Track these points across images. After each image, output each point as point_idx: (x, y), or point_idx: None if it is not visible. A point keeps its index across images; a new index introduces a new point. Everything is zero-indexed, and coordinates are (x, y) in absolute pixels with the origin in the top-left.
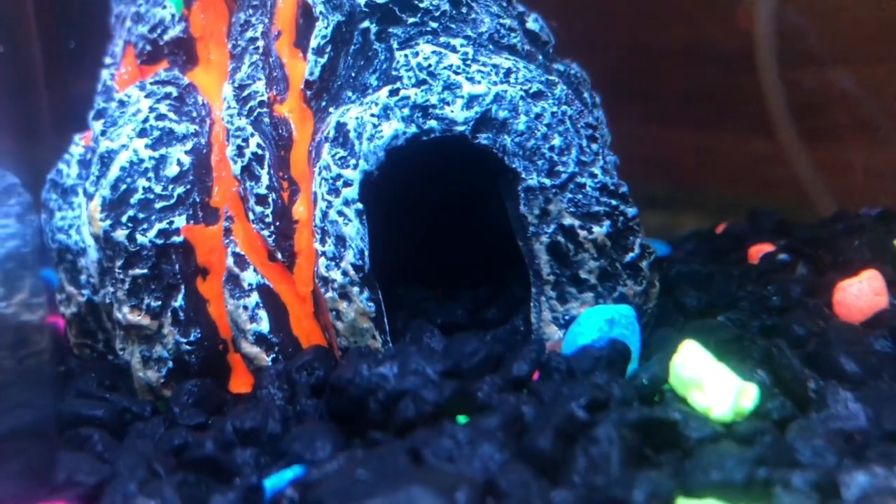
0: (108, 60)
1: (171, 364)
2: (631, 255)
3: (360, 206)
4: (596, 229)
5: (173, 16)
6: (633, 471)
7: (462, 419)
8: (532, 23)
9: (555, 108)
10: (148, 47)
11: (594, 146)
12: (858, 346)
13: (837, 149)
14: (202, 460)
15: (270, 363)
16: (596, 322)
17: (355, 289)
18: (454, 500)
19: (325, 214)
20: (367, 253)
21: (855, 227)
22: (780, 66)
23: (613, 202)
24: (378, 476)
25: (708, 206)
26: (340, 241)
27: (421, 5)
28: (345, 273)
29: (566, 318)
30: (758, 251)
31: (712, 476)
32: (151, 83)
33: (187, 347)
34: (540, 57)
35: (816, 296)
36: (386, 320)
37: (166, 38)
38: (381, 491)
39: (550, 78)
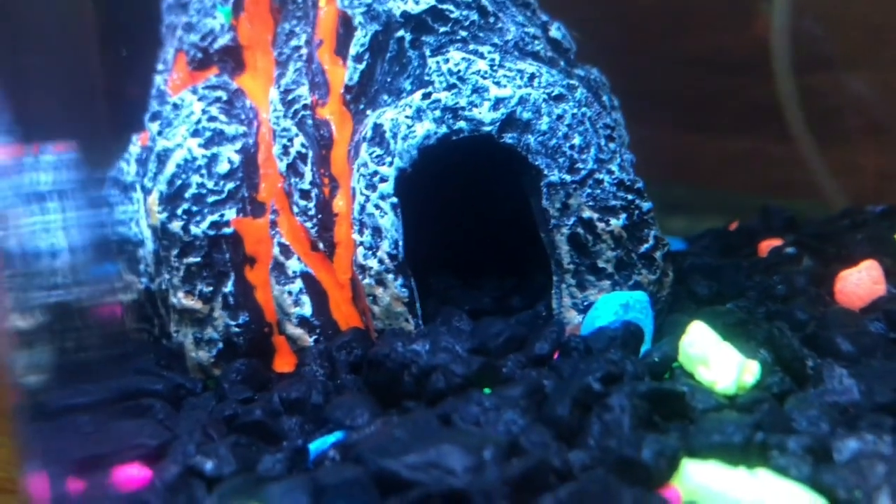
0: (160, 67)
1: (220, 345)
2: (645, 245)
3: (394, 199)
4: (613, 222)
5: (222, 25)
6: (642, 434)
7: (487, 391)
8: (555, 31)
9: (575, 110)
10: (199, 55)
11: (612, 145)
12: (854, 328)
13: (850, 151)
14: (252, 425)
15: (312, 344)
16: (612, 306)
17: (390, 276)
18: (482, 456)
19: (362, 207)
20: (401, 243)
21: (859, 222)
22: (795, 72)
23: (629, 196)
24: (412, 436)
25: (728, 209)
26: (377, 232)
27: (452, 16)
28: (381, 261)
29: (585, 304)
30: (768, 246)
31: (713, 439)
32: (203, 87)
33: (236, 330)
34: (562, 63)
35: (819, 285)
36: (418, 305)
37: (216, 45)
38: (415, 448)
39: (571, 82)
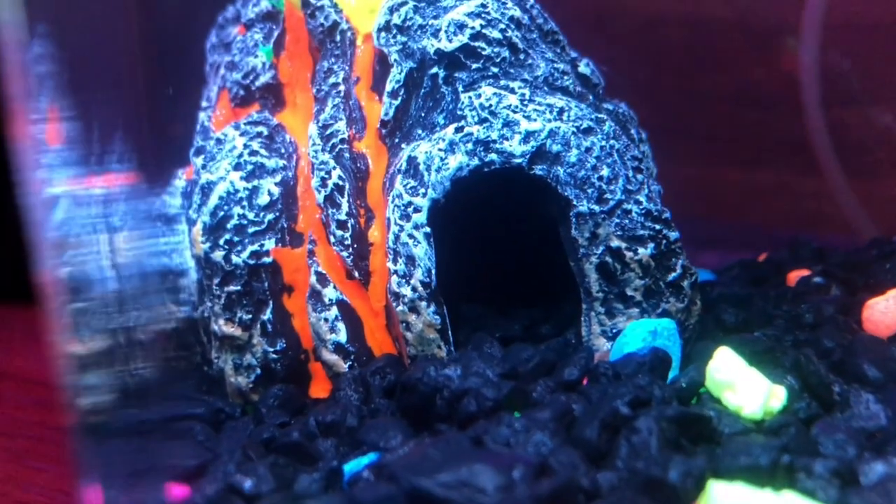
0: (204, 104)
1: (259, 371)
2: (673, 274)
3: (427, 229)
4: (641, 251)
5: (264, 64)
6: (669, 455)
7: (517, 415)
8: (584, 67)
9: (603, 143)
10: (241, 92)
11: (639, 176)
12: (881, 355)
13: (878, 184)
14: (289, 446)
15: (347, 369)
16: (640, 333)
17: (423, 303)
18: (511, 476)
19: (397, 237)
20: (433, 271)
21: (886, 252)
22: (823, 107)
23: (657, 226)
24: (444, 455)
25: (756, 243)
26: (410, 260)
27: (483, 53)
28: (414, 289)
29: (613, 331)
30: (796, 276)
31: (740, 461)
32: (245, 123)
33: (274, 356)
34: (591, 97)
35: (847, 314)
36: (450, 332)
37: (258, 83)
38: (447, 467)
39: (599, 116)
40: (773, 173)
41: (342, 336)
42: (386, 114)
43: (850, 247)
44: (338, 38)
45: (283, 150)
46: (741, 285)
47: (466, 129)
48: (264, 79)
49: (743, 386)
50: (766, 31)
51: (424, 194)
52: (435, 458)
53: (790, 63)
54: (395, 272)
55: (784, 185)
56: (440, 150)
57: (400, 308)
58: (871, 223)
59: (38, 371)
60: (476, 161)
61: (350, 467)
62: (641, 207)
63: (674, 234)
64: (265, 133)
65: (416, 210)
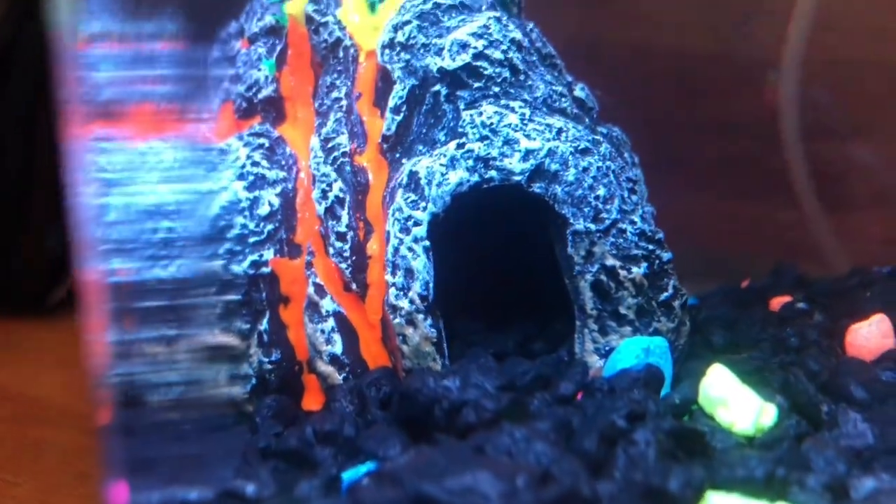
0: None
1: (254, 381)
2: (665, 294)
3: (427, 243)
4: (635, 270)
5: (267, 77)
6: (669, 465)
7: None
8: (579, 91)
9: (600, 163)
10: (244, 104)
11: (634, 197)
12: (866, 377)
13: (857, 218)
14: (287, 452)
15: (342, 381)
16: (634, 350)
17: (420, 316)
18: (515, 483)
19: (396, 250)
20: (431, 285)
21: (866, 281)
22: (802, 139)
23: (650, 246)
24: (449, 461)
25: (738, 273)
26: (409, 273)
27: (485, 72)
28: (412, 302)
29: (606, 348)
30: (779, 302)
31: (737, 472)
32: (248, 135)
33: (269, 367)
34: (587, 120)
35: (830, 338)
36: (446, 346)
37: (260, 96)
38: (452, 473)
39: (596, 137)
40: (755, 204)
41: (338, 347)
42: (388, 129)
43: (828, 276)
44: (341, 54)
45: (283, 163)
46: (727, 309)
47: (468, 146)
48: (266, 92)
49: (735, 403)
50: (749, 63)
51: (425, 208)
52: (440, 465)
53: (772, 96)
54: (394, 284)
55: (765, 216)
56: (441, 165)
57: (397, 321)
58: (845, 255)
59: (12, 385)
60: (476, 177)
61: (349, 475)
62: (636, 227)
63: (666, 255)
64: (266, 144)
65: (417, 224)
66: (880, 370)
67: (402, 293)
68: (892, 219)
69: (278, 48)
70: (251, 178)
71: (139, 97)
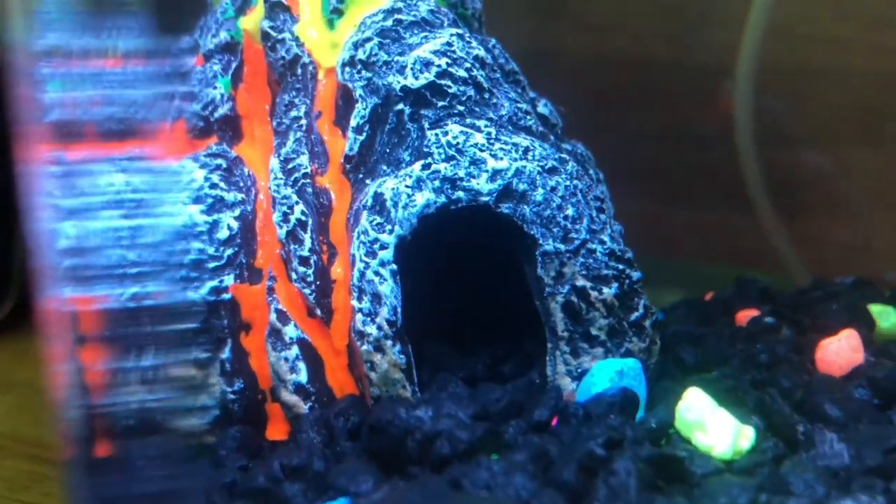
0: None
1: (216, 411)
2: (636, 314)
3: (394, 267)
4: (605, 290)
5: (223, 95)
6: (650, 497)
7: (495, 457)
8: (542, 107)
9: (567, 182)
10: (200, 123)
11: (602, 216)
12: (840, 395)
13: (812, 224)
14: (255, 491)
15: (307, 411)
16: (607, 373)
17: (388, 342)
18: None
19: (362, 274)
20: (399, 310)
21: (831, 293)
22: (757, 147)
23: (620, 266)
24: (423, 500)
25: (696, 280)
26: (376, 298)
27: (450, 91)
28: (379, 328)
29: (579, 370)
30: (745, 316)
31: (720, 502)
32: (204, 156)
33: (232, 396)
34: (552, 137)
35: (800, 353)
36: (415, 372)
37: (216, 115)
38: None
39: (563, 156)
40: (712, 212)
41: (303, 376)
42: (350, 149)
43: (787, 286)
44: (299, 71)
45: (241, 184)
46: (693, 324)
47: (434, 167)
48: (223, 110)
49: (713, 426)
50: (704, 71)
51: (391, 231)
52: (415, 502)
53: (726, 104)
54: (360, 310)
55: (721, 223)
56: (407, 186)
57: (365, 347)
58: (803, 264)
59: None
60: (443, 198)
61: None
62: (605, 247)
63: (636, 274)
64: (224, 165)
65: (383, 247)
66: (853, 387)
67: (369, 319)
68: (849, 226)
69: (234, 65)
70: (209, 200)
71: (90, 117)
